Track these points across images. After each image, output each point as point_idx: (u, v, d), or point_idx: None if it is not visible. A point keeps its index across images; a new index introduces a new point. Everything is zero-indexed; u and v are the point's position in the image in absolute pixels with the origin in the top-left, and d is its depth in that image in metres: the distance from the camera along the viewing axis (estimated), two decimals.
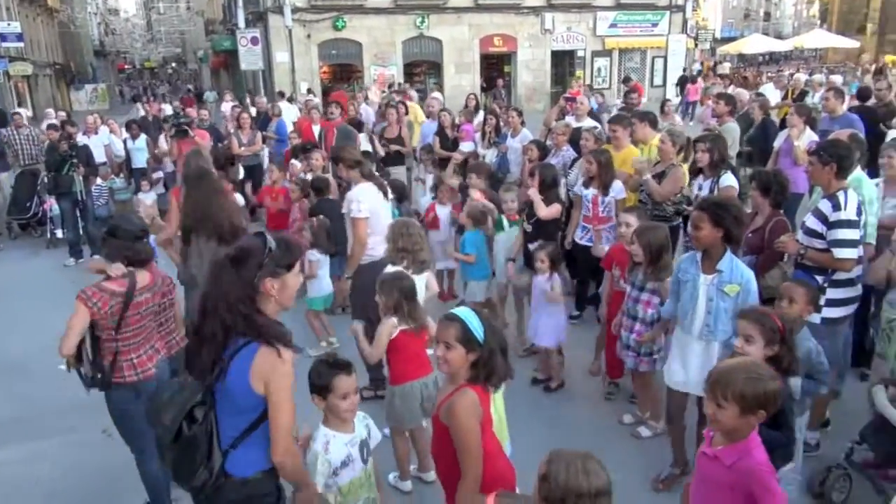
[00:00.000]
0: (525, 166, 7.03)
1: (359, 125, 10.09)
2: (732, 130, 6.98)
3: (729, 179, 5.21)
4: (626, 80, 17.26)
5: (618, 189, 5.65)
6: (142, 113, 15.74)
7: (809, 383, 3.32)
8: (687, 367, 3.72)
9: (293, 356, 2.37)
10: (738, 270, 3.56)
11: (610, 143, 6.31)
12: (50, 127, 10.35)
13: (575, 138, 7.06)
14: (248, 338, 2.33)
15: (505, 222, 5.80)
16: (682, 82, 23.52)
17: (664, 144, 5.65)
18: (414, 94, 13.45)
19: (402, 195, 7.08)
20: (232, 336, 2.34)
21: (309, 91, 20.06)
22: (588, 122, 7.72)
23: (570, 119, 8.03)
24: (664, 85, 27.87)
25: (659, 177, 5.50)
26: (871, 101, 8.93)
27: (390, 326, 3.67)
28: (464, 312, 2.55)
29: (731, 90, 12.76)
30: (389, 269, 4.17)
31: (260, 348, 2.32)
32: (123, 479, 4.14)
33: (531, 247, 5.32)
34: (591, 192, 5.71)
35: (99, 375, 3.45)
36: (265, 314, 2.39)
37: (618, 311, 4.54)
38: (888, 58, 31.74)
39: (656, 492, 3.85)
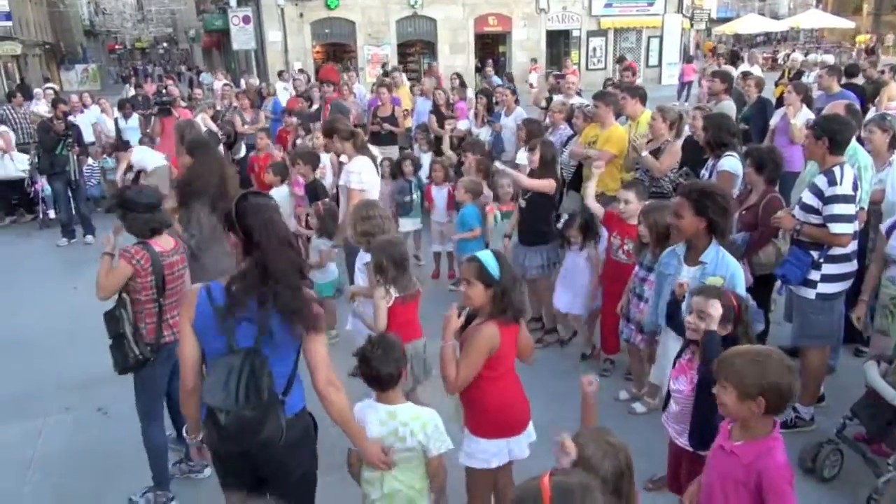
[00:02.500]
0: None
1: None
2: (729, 109, 6.94)
3: (728, 163, 4.91)
4: (621, 60, 17.11)
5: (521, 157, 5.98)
6: (132, 93, 15.58)
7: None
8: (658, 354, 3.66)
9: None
10: (723, 263, 3.38)
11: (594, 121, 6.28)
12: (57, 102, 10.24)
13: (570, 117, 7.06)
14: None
15: (497, 215, 5.70)
16: (690, 61, 23.31)
17: (655, 122, 5.65)
18: (406, 81, 13.26)
19: (416, 167, 7.09)
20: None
21: (301, 71, 19.88)
22: (578, 100, 7.69)
23: (560, 96, 8.02)
24: (659, 65, 27.75)
25: (654, 153, 5.48)
26: (860, 80, 8.94)
27: (382, 296, 3.68)
28: (483, 253, 2.88)
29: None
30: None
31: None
32: (119, 458, 4.16)
33: (561, 223, 5.29)
34: (522, 154, 6.12)
35: (148, 348, 3.51)
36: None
37: (614, 284, 4.54)
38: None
39: (647, 491, 3.63)
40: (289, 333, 2.41)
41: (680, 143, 5.53)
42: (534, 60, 11.44)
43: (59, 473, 4.09)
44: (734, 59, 17.16)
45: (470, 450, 3.01)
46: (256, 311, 2.36)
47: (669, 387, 3.11)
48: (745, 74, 9.37)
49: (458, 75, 11.64)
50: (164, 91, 12.70)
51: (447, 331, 2.85)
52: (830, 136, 3.95)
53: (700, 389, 2.82)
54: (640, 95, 6.34)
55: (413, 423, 2.69)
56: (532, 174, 5.25)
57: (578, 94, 8.15)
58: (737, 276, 3.40)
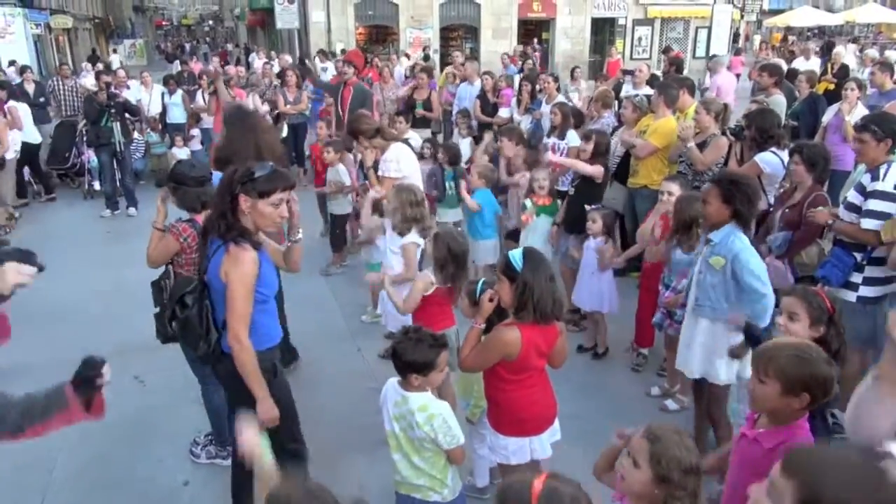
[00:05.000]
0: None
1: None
2: (779, 104, 6.76)
3: (763, 156, 4.86)
4: (667, 51, 16.79)
5: (572, 137, 6.16)
6: (178, 69, 15.80)
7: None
8: (690, 347, 3.60)
9: (254, 257, 2.74)
10: (729, 244, 3.33)
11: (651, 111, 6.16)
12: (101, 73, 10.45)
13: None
14: (223, 239, 2.73)
15: (528, 203, 5.58)
16: (738, 54, 22.54)
17: (700, 115, 5.55)
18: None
19: (455, 159, 6.99)
20: (214, 235, 2.76)
21: (343, 52, 19.95)
22: (646, 90, 7.51)
23: (627, 87, 7.90)
24: (706, 56, 27.10)
25: (700, 147, 5.36)
26: None
27: (426, 284, 3.68)
28: (513, 252, 2.87)
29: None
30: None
31: (226, 247, 2.72)
32: (153, 425, 4.27)
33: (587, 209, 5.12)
34: (551, 140, 6.35)
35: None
36: (240, 223, 2.74)
37: (652, 279, 4.49)
38: None
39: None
40: None
41: (724, 138, 5.39)
42: (575, 70, 10.98)
43: (95, 439, 4.19)
44: (791, 55, 16.38)
45: (491, 444, 3.07)
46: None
47: None
48: (792, 72, 9.11)
49: (508, 55, 11.41)
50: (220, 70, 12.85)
51: (480, 313, 2.93)
52: (893, 136, 3.81)
53: None
54: (688, 86, 6.20)
55: (419, 414, 2.67)
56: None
57: (649, 84, 7.97)
58: (742, 257, 3.30)
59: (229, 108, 5.12)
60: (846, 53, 13.58)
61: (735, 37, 30.27)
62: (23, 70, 11.84)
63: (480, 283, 3.16)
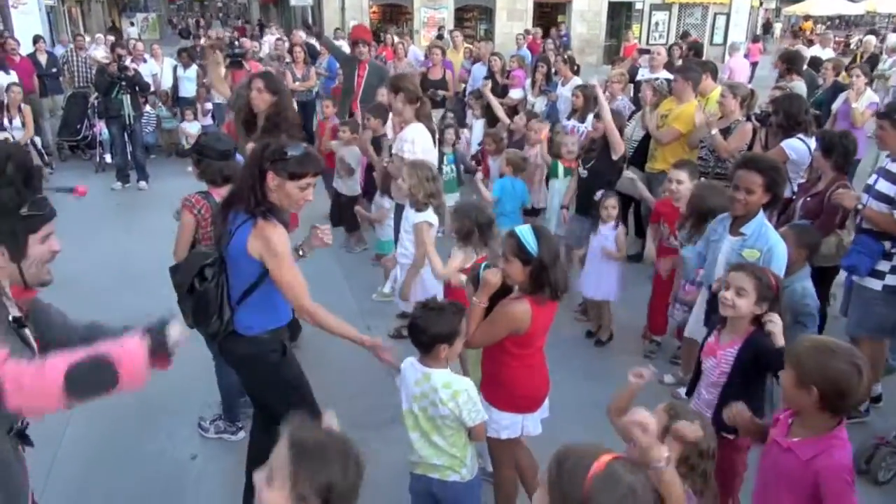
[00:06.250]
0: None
1: None
2: (799, 91, 6.61)
3: (790, 143, 4.78)
4: (685, 36, 16.55)
5: (591, 121, 6.01)
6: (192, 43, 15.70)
7: (796, 328, 3.14)
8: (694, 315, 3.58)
9: (284, 232, 2.72)
10: (764, 236, 3.30)
11: (671, 95, 6.04)
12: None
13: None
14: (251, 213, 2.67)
15: (560, 169, 5.62)
16: (756, 41, 22.12)
17: (725, 99, 5.39)
18: (463, 44, 12.99)
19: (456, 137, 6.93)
20: (242, 208, 2.70)
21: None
22: (664, 74, 7.37)
23: (644, 71, 7.76)
24: (724, 44, 26.71)
25: (723, 133, 5.24)
26: None
27: (465, 259, 3.72)
28: (521, 228, 2.78)
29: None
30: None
31: (254, 221, 2.65)
32: (160, 403, 4.22)
33: (597, 195, 5.00)
34: (571, 123, 6.32)
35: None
36: (268, 199, 2.68)
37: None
38: None
39: None
40: None
41: (750, 124, 5.27)
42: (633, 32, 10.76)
43: (102, 413, 4.17)
44: (810, 44, 16.15)
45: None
46: None
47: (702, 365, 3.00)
48: (815, 60, 8.94)
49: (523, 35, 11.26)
50: (236, 43, 12.73)
51: (483, 290, 2.84)
52: None
53: (733, 371, 2.77)
54: (711, 70, 6.06)
55: (443, 391, 2.62)
56: (594, 144, 5.11)
57: (666, 68, 7.83)
58: (776, 251, 3.29)
59: (268, 77, 5.01)
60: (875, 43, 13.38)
61: (766, 27, 29.74)
62: (35, 40, 11.79)
63: (482, 266, 3.08)
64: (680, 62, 8.77)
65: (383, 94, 7.24)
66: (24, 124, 8.62)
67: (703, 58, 9.49)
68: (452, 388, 2.63)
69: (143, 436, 3.98)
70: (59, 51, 12.56)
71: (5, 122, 8.46)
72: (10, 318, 1.87)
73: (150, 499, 3.49)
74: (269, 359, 2.89)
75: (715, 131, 5.24)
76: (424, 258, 4.12)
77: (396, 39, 13.03)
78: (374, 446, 3.74)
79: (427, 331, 2.61)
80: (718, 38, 26.99)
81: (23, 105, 8.71)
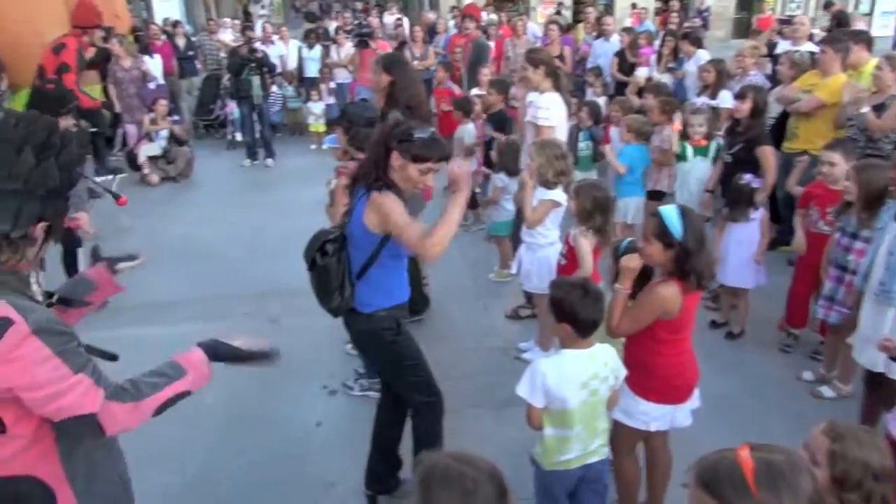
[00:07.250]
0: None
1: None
2: None
3: None
4: (829, 6, 15.23)
5: (724, 97, 5.85)
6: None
7: None
8: (872, 340, 3.17)
9: (397, 199, 2.68)
10: None
11: (814, 68, 5.55)
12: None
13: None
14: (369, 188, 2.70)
15: (689, 150, 5.32)
16: None
17: (881, 72, 4.86)
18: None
19: (598, 118, 6.69)
20: (363, 183, 2.75)
21: (454, 7, 19.63)
22: (808, 47, 6.81)
23: (785, 43, 7.22)
24: (871, 13, 24.37)
25: (877, 110, 4.75)
26: None
27: (589, 243, 3.68)
28: (666, 208, 2.61)
29: None
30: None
31: (369, 195, 2.69)
32: (287, 365, 4.35)
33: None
34: (701, 100, 6.01)
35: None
36: (389, 177, 2.70)
37: (811, 256, 4.07)
38: None
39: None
40: None
41: None
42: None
43: (228, 376, 4.41)
44: None
45: (629, 408, 2.80)
46: None
47: None
48: None
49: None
50: (363, 22, 13.04)
51: (625, 277, 2.71)
52: None
53: None
54: (865, 41, 5.49)
55: (611, 361, 2.60)
56: (739, 125, 4.81)
57: (810, 38, 7.25)
58: None
59: (384, 56, 5.08)
60: None
61: None
62: (175, 24, 12.58)
63: (626, 241, 2.94)
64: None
65: (486, 74, 7.27)
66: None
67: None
68: (610, 351, 2.63)
69: (270, 401, 4.15)
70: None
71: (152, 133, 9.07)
72: (45, 293, 1.86)
73: (277, 463, 3.64)
74: (384, 336, 2.92)
75: (866, 108, 4.76)
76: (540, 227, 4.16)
77: (513, 19, 12.83)
78: (489, 427, 3.75)
79: (595, 322, 2.57)
80: (864, 7, 24.63)
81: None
